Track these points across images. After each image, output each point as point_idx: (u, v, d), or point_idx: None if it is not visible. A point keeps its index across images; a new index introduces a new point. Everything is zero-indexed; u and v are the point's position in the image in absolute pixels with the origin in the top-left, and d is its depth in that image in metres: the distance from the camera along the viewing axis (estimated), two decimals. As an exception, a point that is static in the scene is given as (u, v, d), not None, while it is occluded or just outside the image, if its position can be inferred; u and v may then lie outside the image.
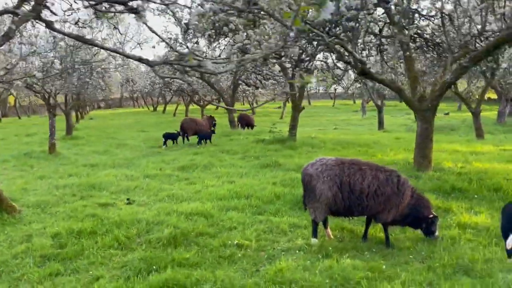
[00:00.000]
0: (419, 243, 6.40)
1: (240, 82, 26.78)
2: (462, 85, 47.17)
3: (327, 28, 8.80)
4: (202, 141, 19.04)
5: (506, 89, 31.85)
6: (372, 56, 16.53)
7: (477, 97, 51.97)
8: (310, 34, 8.63)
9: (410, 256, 6.00)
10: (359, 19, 9.54)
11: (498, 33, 9.15)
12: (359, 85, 28.27)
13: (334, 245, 6.43)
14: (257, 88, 28.82)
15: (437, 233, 6.48)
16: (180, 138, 19.54)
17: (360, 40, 14.90)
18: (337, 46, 10.48)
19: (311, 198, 6.56)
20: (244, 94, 38.52)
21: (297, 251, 6.29)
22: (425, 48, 14.00)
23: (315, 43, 8.88)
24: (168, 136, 19.12)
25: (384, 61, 14.73)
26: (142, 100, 70.90)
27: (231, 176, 11.54)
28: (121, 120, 42.02)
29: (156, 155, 16.05)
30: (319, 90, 77.85)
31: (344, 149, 16.15)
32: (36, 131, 27.67)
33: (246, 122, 27.78)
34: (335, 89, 61.38)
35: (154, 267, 5.61)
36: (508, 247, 5.51)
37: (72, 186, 10.24)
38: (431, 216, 6.32)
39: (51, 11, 5.49)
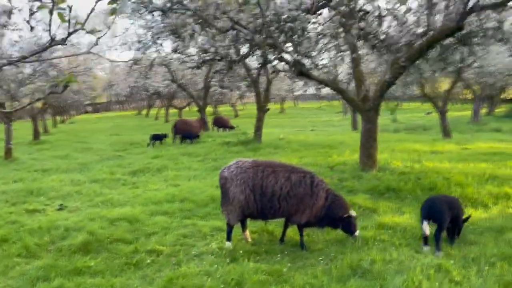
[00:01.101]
0: (332, 245, 6.34)
1: (212, 84, 26.60)
2: (444, 84, 47.59)
3: (259, 29, 8.71)
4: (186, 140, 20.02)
5: (481, 88, 32.10)
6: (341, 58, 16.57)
7: (461, 96, 52.47)
8: (239, 35, 8.57)
9: (319, 258, 5.92)
10: (298, 20, 9.48)
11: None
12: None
13: (247, 249, 6.34)
14: (231, 90, 28.73)
15: (357, 233, 6.39)
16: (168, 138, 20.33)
17: (324, 41, 14.95)
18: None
19: (225, 201, 6.49)
20: (221, 96, 38.31)
21: (209, 255, 6.19)
22: (381, 49, 14.00)
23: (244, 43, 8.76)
24: (155, 137, 19.95)
25: (342, 60, 14.75)
26: (127, 104, 70.55)
27: (178, 180, 11.44)
28: (102, 124, 41.77)
29: (115, 159, 15.88)
30: (306, 91, 77.67)
31: (306, 150, 16.11)
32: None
33: (221, 124, 27.72)
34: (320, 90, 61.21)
35: (51, 276, 5.48)
36: (426, 234, 5.85)
37: (10, 192, 10.05)
38: (345, 215, 6.24)
39: None
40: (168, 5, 7.51)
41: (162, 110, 48.94)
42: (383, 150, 15.56)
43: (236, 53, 8.77)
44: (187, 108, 48.77)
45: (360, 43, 14.93)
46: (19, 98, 22.69)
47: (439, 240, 5.87)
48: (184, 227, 7.46)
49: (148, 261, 6.06)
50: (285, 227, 6.67)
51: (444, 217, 5.91)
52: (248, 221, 6.99)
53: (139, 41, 18.50)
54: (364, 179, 9.84)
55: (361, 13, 12.19)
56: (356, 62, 10.95)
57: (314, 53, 15.08)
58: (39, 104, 24.60)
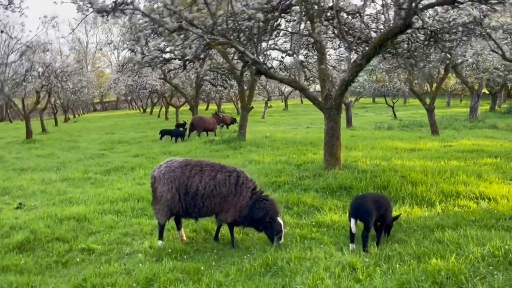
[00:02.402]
0: (261, 243, 6.38)
1: (204, 83, 26.75)
2: (449, 80, 47.09)
3: (211, 28, 8.76)
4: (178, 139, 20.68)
5: (479, 84, 31.69)
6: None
7: (467, 93, 51.52)
8: (188, 34, 8.64)
9: (244, 257, 5.96)
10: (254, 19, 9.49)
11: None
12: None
13: (177, 247, 6.42)
14: (225, 88, 28.85)
15: (280, 241, 6.22)
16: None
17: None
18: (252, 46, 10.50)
19: (154, 200, 6.59)
20: (217, 94, 38.47)
21: (139, 254, 6.28)
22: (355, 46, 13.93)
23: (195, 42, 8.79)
24: (164, 133, 21.02)
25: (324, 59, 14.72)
26: (134, 102, 71.23)
27: (146, 179, 11.53)
28: (103, 122, 42.22)
29: (97, 158, 16.11)
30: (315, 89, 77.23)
31: (286, 148, 16.09)
32: (5, 135, 27.93)
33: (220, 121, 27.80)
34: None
35: (-24, 272, 5.63)
36: (353, 231, 5.91)
37: (-24, 191, 10.32)
38: (268, 220, 6.24)
39: None
40: (112, 5, 7.58)
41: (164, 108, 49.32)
42: (363, 148, 15.56)
43: (192, 53, 8.81)
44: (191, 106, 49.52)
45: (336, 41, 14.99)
46: (12, 98, 23.25)
47: (366, 239, 5.88)
48: (129, 226, 7.58)
49: (78, 259, 6.18)
50: (219, 225, 6.74)
51: (370, 216, 5.92)
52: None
53: (123, 41, 18.77)
54: (323, 177, 9.83)
55: (333, 11, 12.19)
56: (320, 60, 10.93)
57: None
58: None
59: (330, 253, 5.67)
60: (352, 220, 5.94)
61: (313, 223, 7.10)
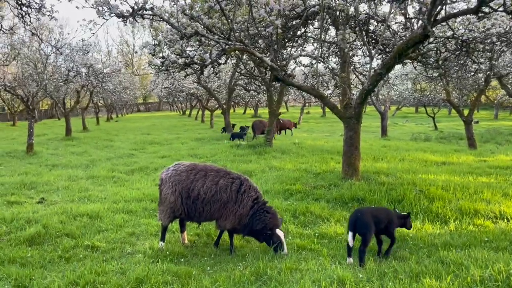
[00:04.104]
0: (258, 252, 6.32)
1: (237, 87, 26.94)
2: (498, 91, 44.93)
3: (227, 35, 8.84)
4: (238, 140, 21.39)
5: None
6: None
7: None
8: (203, 39, 8.75)
9: (239, 264, 5.94)
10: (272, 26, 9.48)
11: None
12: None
13: (177, 250, 6.48)
14: (258, 93, 28.91)
15: (284, 250, 6.17)
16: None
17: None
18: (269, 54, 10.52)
19: (160, 201, 6.70)
20: (252, 100, 38.62)
21: (139, 254, 6.40)
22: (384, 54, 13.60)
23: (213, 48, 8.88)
24: (234, 136, 22.09)
25: (348, 65, 14.47)
26: (175, 104, 72.90)
27: (166, 180, 11.75)
28: (142, 123, 43.47)
29: (126, 157, 16.59)
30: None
31: (312, 156, 15.91)
32: (49, 132, 29.36)
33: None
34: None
35: (-17, 263, 5.93)
36: (350, 245, 5.76)
37: (6, 184, 10.88)
38: (268, 232, 6.18)
39: None
40: (130, 10, 7.81)
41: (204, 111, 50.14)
42: (391, 159, 15.09)
43: (210, 57, 8.92)
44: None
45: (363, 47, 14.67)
46: (55, 98, 24.40)
47: (362, 254, 5.70)
48: (137, 226, 7.74)
49: (81, 256, 6.37)
50: (220, 231, 6.74)
51: (368, 230, 5.74)
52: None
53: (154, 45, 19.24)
54: (338, 187, 9.64)
55: (363, 17, 11.99)
56: (343, 68, 10.75)
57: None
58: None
59: (324, 266, 5.54)
60: (350, 234, 5.78)
61: (316, 234, 6.97)
